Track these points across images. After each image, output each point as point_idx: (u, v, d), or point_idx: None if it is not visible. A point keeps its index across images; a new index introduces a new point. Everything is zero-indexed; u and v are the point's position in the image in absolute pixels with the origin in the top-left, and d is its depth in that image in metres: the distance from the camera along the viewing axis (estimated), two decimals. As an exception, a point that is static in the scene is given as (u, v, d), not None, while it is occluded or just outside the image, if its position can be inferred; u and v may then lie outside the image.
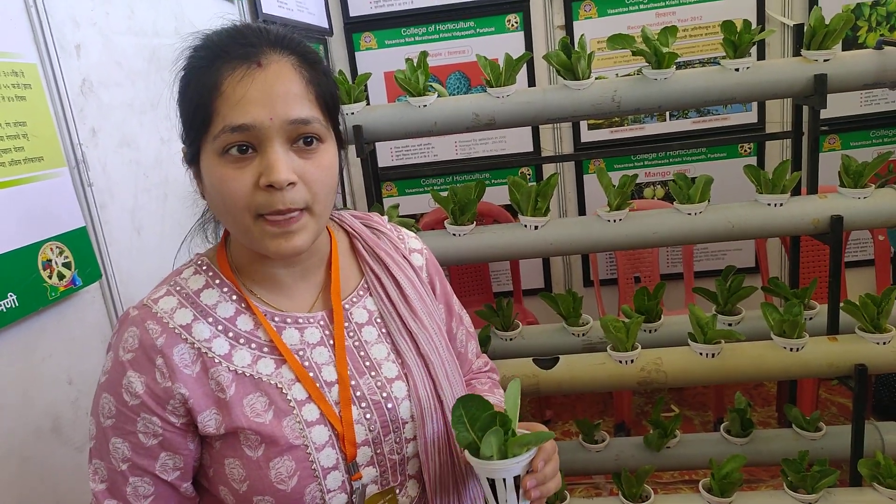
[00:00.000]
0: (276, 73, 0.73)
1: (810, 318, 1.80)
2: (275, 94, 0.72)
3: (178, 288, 0.82)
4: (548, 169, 3.02)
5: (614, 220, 1.72)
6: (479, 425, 0.77)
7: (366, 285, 0.90)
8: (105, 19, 1.39)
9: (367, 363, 0.85)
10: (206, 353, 0.78)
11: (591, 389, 1.72)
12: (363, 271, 0.91)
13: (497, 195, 2.93)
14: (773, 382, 2.80)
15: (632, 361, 1.68)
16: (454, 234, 1.75)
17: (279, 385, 0.79)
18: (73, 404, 1.20)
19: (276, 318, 0.83)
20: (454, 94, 2.65)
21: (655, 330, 1.86)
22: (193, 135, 0.76)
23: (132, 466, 0.78)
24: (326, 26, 2.80)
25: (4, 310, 1.04)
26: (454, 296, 1.03)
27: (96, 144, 1.32)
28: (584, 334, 1.86)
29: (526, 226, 1.73)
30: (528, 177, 3.04)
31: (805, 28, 1.69)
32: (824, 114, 1.78)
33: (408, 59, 1.77)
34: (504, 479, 0.76)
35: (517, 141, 2.99)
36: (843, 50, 1.79)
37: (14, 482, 1.06)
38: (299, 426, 0.78)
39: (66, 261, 1.19)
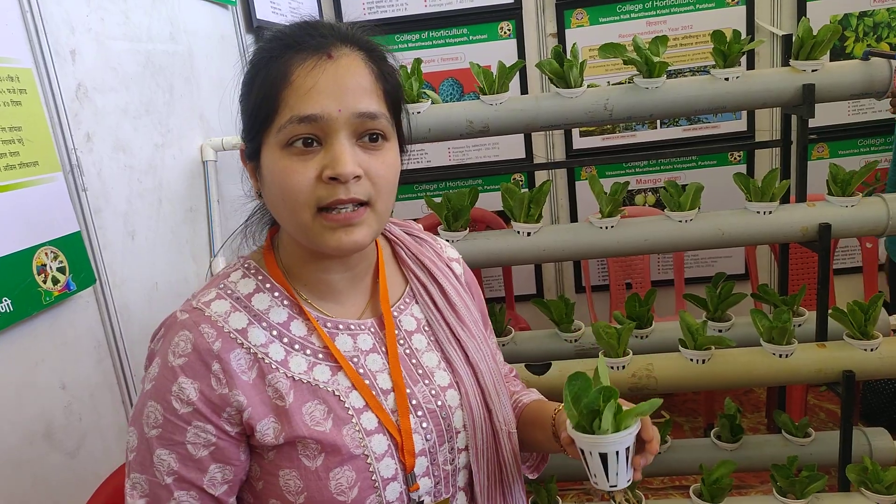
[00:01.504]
0: (347, 65, 0.73)
1: (799, 325, 1.81)
2: (344, 85, 0.71)
3: (228, 291, 0.79)
4: (540, 176, 3.04)
5: (606, 227, 1.73)
6: (586, 402, 0.76)
7: (411, 293, 0.89)
8: (100, 25, 1.39)
9: (420, 371, 0.83)
10: (262, 358, 0.75)
11: (582, 395, 1.72)
12: (407, 279, 0.90)
13: (490, 201, 2.94)
14: (763, 388, 2.82)
15: (623, 367, 1.69)
16: (447, 241, 1.75)
17: (336, 392, 0.77)
18: (66, 409, 1.20)
19: (329, 325, 0.81)
20: (447, 101, 2.66)
21: (646, 336, 1.87)
22: (257, 128, 0.74)
23: (178, 480, 0.73)
24: (320, 32, 2.81)
25: (-2, 314, 1.04)
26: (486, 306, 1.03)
27: (91, 149, 1.33)
28: (575, 340, 1.87)
29: (519, 232, 1.74)
30: (521, 183, 3.06)
31: (793, 38, 1.72)
32: (812, 122, 1.81)
33: (401, 66, 1.78)
34: (617, 452, 0.75)
35: (510, 148, 3.00)
36: (830, 60, 1.81)
37: (6, 488, 1.06)
38: (359, 435, 0.75)
39: (61, 265, 1.19)
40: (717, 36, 1.69)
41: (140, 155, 1.50)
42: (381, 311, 0.84)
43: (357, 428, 0.76)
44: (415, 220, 3.07)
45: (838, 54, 2.76)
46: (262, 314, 0.78)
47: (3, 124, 1.09)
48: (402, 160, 0.82)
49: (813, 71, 1.68)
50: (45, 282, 1.14)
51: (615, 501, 0.80)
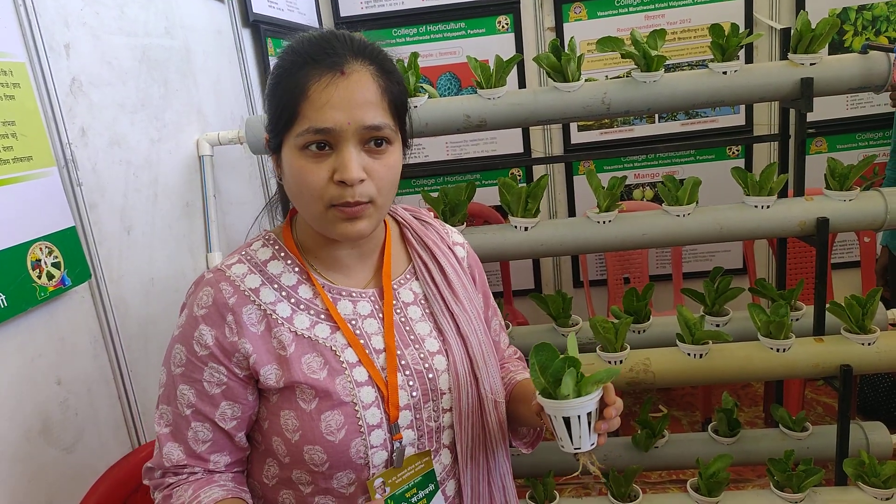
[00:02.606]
0: (357, 81, 0.82)
1: (797, 319, 1.82)
2: (354, 101, 0.81)
3: (248, 257, 0.92)
4: (538, 170, 3.03)
5: (604, 222, 1.73)
6: (551, 371, 0.84)
7: (413, 270, 1.00)
8: (95, 19, 1.38)
9: (412, 337, 0.94)
10: (270, 314, 0.88)
11: (580, 390, 1.72)
12: (411, 258, 1.01)
13: (487, 196, 2.94)
14: (760, 383, 2.83)
15: (621, 362, 1.69)
16: (445, 235, 1.75)
17: (333, 348, 0.88)
18: (62, 405, 1.20)
19: (333, 291, 0.92)
20: (445, 95, 2.65)
21: (644, 331, 1.87)
22: (279, 129, 0.85)
23: (195, 412, 0.87)
24: (317, 26, 2.80)
25: (-7, 310, 1.03)
26: (490, 290, 1.12)
27: (86, 144, 1.32)
28: (576, 333, 1.87)
29: (516, 227, 1.74)
30: (519, 178, 3.05)
31: (792, 32, 1.71)
32: (811, 116, 1.80)
33: (398, 60, 1.77)
34: (579, 417, 0.81)
35: (508, 142, 3.00)
36: (829, 54, 1.80)
37: (3, 483, 1.06)
38: (350, 385, 0.86)
39: (56, 261, 1.18)
40: (716, 30, 1.69)
41: (136, 150, 1.49)
42: (383, 285, 0.95)
43: (349, 379, 0.87)
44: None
45: (837, 48, 2.75)
46: (274, 277, 0.91)
47: (-3, 119, 1.08)
48: (404, 153, 0.92)
49: (811, 65, 1.67)
50: (39, 277, 1.14)
51: (580, 463, 0.86)
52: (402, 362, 0.91)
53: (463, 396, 0.93)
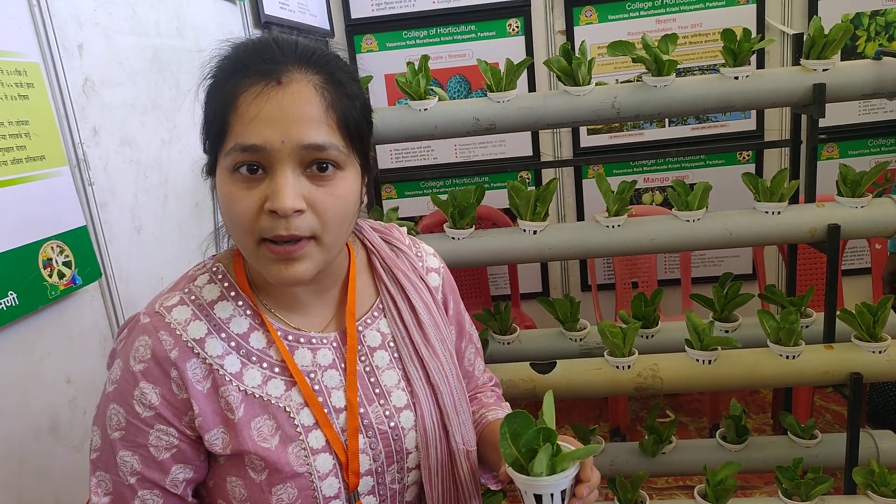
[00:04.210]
0: (295, 93, 0.69)
1: (807, 326, 1.80)
2: (290, 115, 0.69)
3: (192, 297, 0.79)
4: (547, 173, 3.03)
5: (613, 226, 1.72)
6: (524, 441, 0.75)
7: (381, 305, 0.88)
8: (107, 19, 1.39)
9: (378, 390, 0.84)
10: (217, 370, 0.76)
11: (587, 394, 1.72)
12: (378, 289, 0.89)
13: (496, 199, 2.93)
14: (769, 389, 2.81)
15: (628, 367, 1.68)
16: (453, 238, 1.75)
17: (287, 409, 0.77)
18: (72, 403, 1.21)
19: (290, 337, 0.81)
20: (454, 98, 2.65)
21: (652, 336, 1.86)
22: (210, 147, 0.75)
23: (141, 479, 0.75)
24: (328, 28, 2.80)
25: (4, 308, 1.04)
26: (466, 315, 1.03)
27: (97, 144, 1.33)
28: (581, 339, 1.86)
29: (525, 230, 1.74)
30: (528, 181, 3.05)
31: (804, 37, 1.70)
32: (823, 122, 1.79)
33: (409, 63, 1.78)
34: (552, 494, 0.75)
35: (517, 145, 3.00)
36: (841, 59, 1.79)
37: (12, 482, 1.06)
38: (304, 453, 0.76)
39: (67, 260, 1.19)
40: (727, 34, 1.68)
41: (147, 150, 1.50)
42: (346, 325, 0.84)
43: (303, 446, 0.77)
44: (420, 217, 3.06)
45: (849, 53, 2.73)
46: (222, 323, 0.78)
47: (11, 118, 1.09)
48: (365, 180, 0.80)
49: (824, 70, 1.66)
50: (50, 276, 1.15)
51: None
52: (365, 422, 0.81)
53: (432, 454, 0.84)
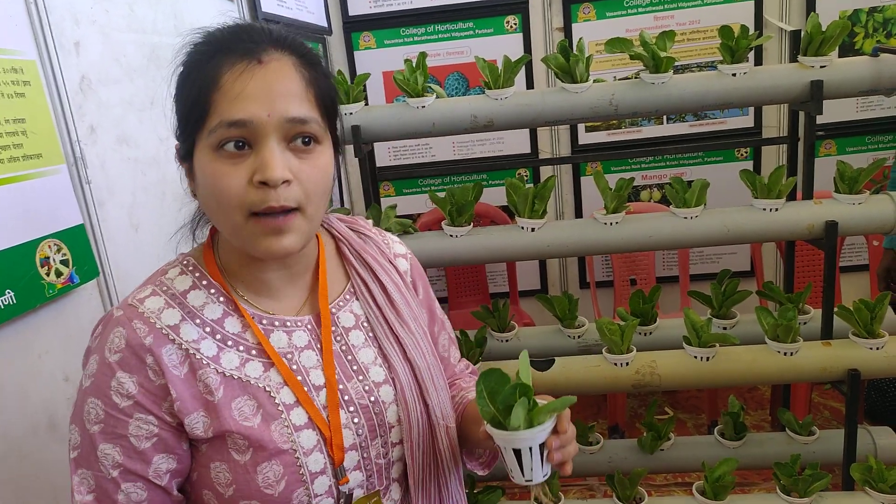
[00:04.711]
0: (277, 70, 0.73)
1: (804, 323, 1.81)
2: (274, 91, 0.72)
3: (164, 288, 0.80)
4: (545, 171, 3.03)
5: (611, 224, 1.72)
6: (501, 398, 0.77)
7: (352, 289, 0.90)
8: (105, 17, 1.39)
9: (355, 367, 0.85)
10: (193, 354, 0.77)
11: (585, 391, 1.72)
12: (349, 275, 0.91)
13: (494, 196, 2.93)
14: (767, 386, 2.82)
15: (627, 364, 1.68)
16: (451, 236, 1.75)
17: (267, 388, 0.78)
18: (69, 401, 1.20)
19: (265, 321, 0.82)
20: (452, 95, 2.65)
21: (650, 333, 1.86)
22: (189, 130, 0.76)
23: (124, 472, 0.75)
24: (325, 25, 2.80)
25: (2, 306, 1.04)
26: (436, 301, 1.04)
27: (95, 142, 1.32)
28: (579, 336, 1.87)
29: (523, 228, 1.74)
30: (526, 178, 3.05)
31: (802, 34, 1.70)
32: (820, 119, 1.79)
33: (407, 60, 1.77)
34: (531, 448, 0.77)
35: (515, 142, 3.00)
36: (839, 56, 1.79)
37: (10, 478, 1.07)
38: (287, 430, 0.77)
39: (64, 258, 1.19)
40: (725, 31, 1.68)
41: (145, 147, 1.50)
42: (319, 308, 0.86)
43: (286, 423, 0.78)
44: (419, 214, 3.07)
45: (847, 50, 2.74)
46: (196, 311, 0.80)
47: (7, 116, 1.09)
48: (336, 161, 0.84)
49: (821, 67, 1.66)
50: (48, 274, 1.14)
51: (532, 494, 0.80)
52: (346, 397, 0.82)
53: (413, 427, 0.85)
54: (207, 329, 0.79)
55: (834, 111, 2.74)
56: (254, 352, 0.80)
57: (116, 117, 1.40)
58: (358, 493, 0.82)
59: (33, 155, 1.14)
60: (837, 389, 1.71)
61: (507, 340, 1.88)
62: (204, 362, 0.77)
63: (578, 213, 3.04)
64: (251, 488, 0.76)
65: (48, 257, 1.15)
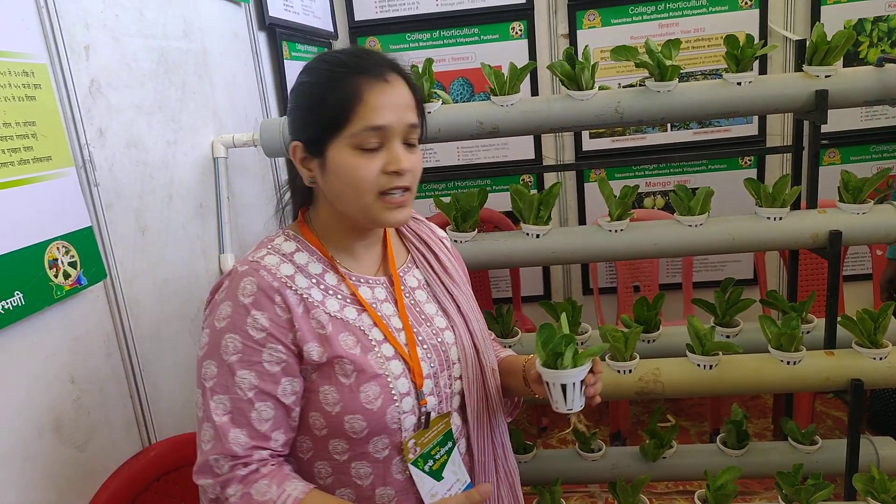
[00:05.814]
0: (398, 88, 0.96)
1: (808, 332, 1.81)
2: (400, 104, 0.95)
3: (275, 249, 1.00)
4: (549, 177, 3.03)
5: (615, 231, 1.73)
6: (552, 346, 0.99)
7: (412, 259, 1.13)
8: (115, 21, 1.40)
9: (423, 316, 1.07)
10: (306, 298, 0.96)
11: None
12: (409, 249, 1.14)
13: (498, 201, 2.94)
14: (770, 395, 2.81)
15: (630, 371, 1.69)
16: (456, 241, 1.76)
17: (362, 327, 0.98)
18: (75, 403, 1.21)
19: (353, 278, 1.03)
20: (457, 101, 2.65)
21: (654, 340, 1.87)
22: (327, 133, 0.94)
23: (258, 392, 0.92)
24: (332, 30, 2.81)
25: (10, 308, 1.04)
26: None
27: (103, 145, 1.33)
28: (582, 343, 1.87)
29: (528, 234, 1.75)
30: (530, 184, 3.05)
31: (807, 43, 1.71)
32: (825, 128, 1.80)
33: (413, 66, 1.78)
34: (574, 383, 0.97)
35: (519, 148, 3.00)
36: (844, 65, 1.80)
37: (16, 480, 1.07)
38: (380, 360, 0.97)
39: (72, 260, 1.20)
40: (730, 40, 1.68)
41: (152, 151, 1.50)
42: (391, 272, 1.08)
43: (379, 354, 0.97)
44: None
45: (852, 59, 2.74)
46: (302, 267, 0.99)
47: (18, 119, 1.09)
48: None
49: (826, 77, 1.67)
50: (56, 276, 1.15)
51: (572, 421, 0.92)
52: (419, 338, 1.03)
53: (469, 366, 1.07)
54: (313, 280, 0.99)
55: (838, 120, 2.74)
56: (349, 300, 1.00)
57: (125, 121, 1.41)
58: (432, 415, 1.01)
59: (43, 157, 1.14)
60: (840, 399, 1.72)
61: (510, 346, 1.88)
62: (315, 304, 0.97)
63: (581, 220, 3.04)
64: (355, 404, 0.94)
65: (56, 259, 1.15)
